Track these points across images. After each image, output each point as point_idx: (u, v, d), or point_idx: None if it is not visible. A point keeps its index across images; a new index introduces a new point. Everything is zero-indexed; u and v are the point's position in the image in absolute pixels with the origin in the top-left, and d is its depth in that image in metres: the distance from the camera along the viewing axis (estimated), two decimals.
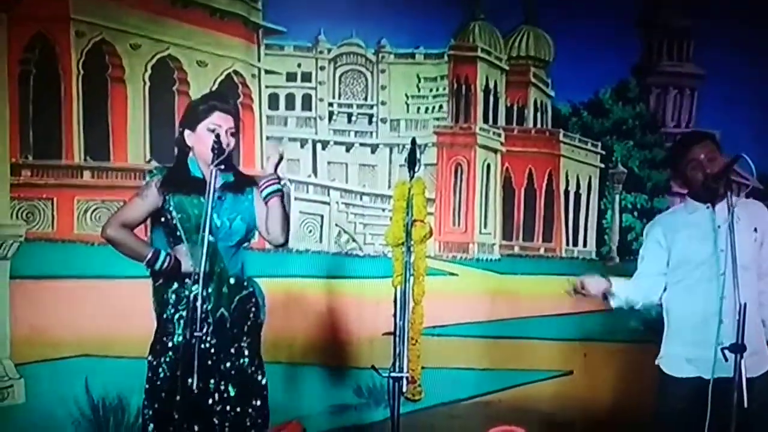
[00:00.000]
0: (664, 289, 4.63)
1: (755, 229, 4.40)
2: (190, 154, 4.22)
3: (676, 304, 4.58)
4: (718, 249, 4.38)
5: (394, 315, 4.01)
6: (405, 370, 3.91)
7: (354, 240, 7.15)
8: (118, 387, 6.02)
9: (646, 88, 7.95)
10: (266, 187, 4.20)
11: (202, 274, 3.71)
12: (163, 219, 4.18)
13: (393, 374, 3.89)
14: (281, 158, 4.27)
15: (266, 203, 4.21)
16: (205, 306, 3.87)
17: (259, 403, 4.29)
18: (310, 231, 7.09)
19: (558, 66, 7.78)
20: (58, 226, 6.32)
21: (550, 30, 7.70)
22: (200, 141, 4.14)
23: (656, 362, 4.65)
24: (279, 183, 4.23)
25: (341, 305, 6.71)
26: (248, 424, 4.24)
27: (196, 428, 4.08)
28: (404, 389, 3.93)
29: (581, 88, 7.78)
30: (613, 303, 4.68)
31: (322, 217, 7.12)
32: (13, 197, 6.16)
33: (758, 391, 4.06)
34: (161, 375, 4.15)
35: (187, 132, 4.20)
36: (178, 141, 4.28)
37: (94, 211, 6.38)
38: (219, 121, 4.14)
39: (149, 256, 4.10)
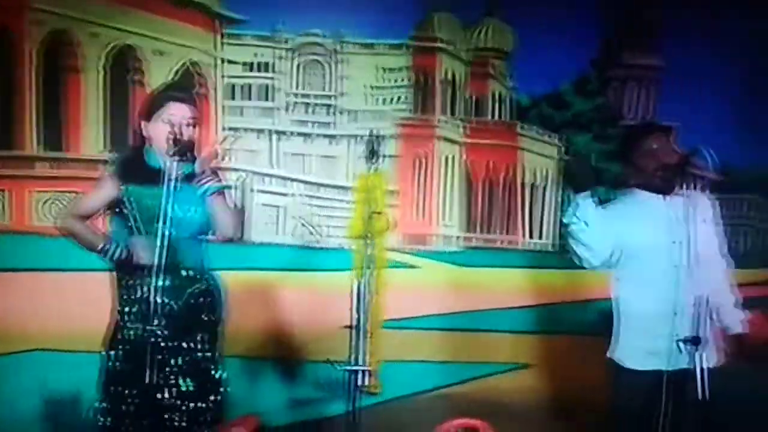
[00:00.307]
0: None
1: (704, 221, 4.41)
2: (147, 144, 4.17)
3: (632, 296, 4.58)
4: (671, 241, 4.41)
5: (352, 308, 4.00)
6: (363, 363, 3.90)
7: (314, 232, 7.12)
8: (75, 381, 5.94)
9: (606, 80, 7.97)
10: (201, 185, 4.08)
11: (156, 266, 3.68)
12: (119, 210, 4.13)
13: (350, 367, 3.88)
14: (216, 154, 4.20)
15: (207, 200, 4.09)
16: (157, 299, 3.86)
17: (215, 398, 4.26)
18: (270, 223, 7.05)
19: (518, 58, 7.77)
20: (12, 218, 6.26)
21: (511, 22, 7.69)
22: (156, 132, 4.09)
23: (608, 355, 4.66)
24: (217, 180, 4.12)
25: (301, 298, 6.68)
26: (204, 419, 4.20)
27: (148, 423, 4.05)
28: (363, 382, 3.92)
29: (541, 81, 7.77)
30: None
31: (281, 209, 7.09)
32: None
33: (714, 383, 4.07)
34: (113, 368, 4.12)
35: (143, 123, 4.15)
36: (136, 132, 4.23)
37: (49, 202, 6.31)
38: (175, 111, 4.08)
39: (102, 246, 4.08)
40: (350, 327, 3.91)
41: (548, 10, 7.09)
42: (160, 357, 3.98)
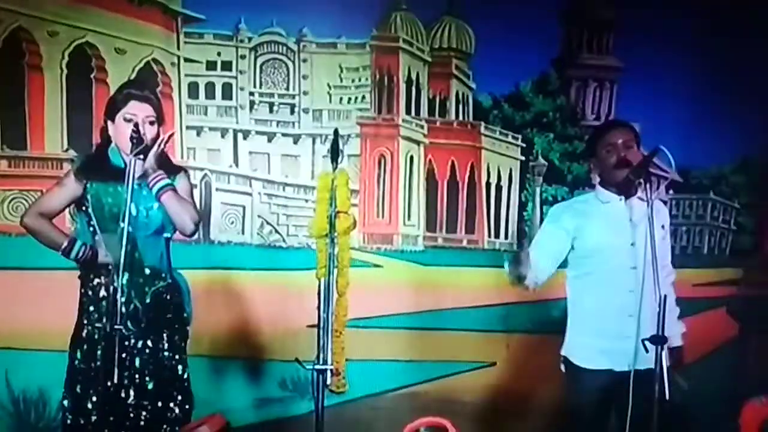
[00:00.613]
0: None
1: (662, 226, 4.48)
2: (112, 143, 4.17)
3: (586, 295, 4.63)
4: (629, 243, 4.45)
5: (318, 307, 4.00)
6: (329, 362, 3.91)
7: (277, 231, 7.10)
8: (39, 380, 5.93)
9: (567, 80, 8.00)
10: (153, 185, 4.09)
11: (122, 265, 3.69)
12: (83, 207, 4.15)
13: (317, 366, 3.89)
14: (159, 149, 4.13)
15: (159, 200, 4.11)
16: (119, 297, 3.84)
17: (180, 397, 4.26)
18: (232, 222, 7.03)
19: (479, 58, 7.78)
20: None
21: (472, 22, 7.69)
22: (118, 131, 4.11)
23: (562, 352, 4.70)
24: (166, 178, 4.12)
25: (265, 297, 6.68)
26: (169, 417, 4.22)
27: (112, 421, 4.02)
28: (328, 382, 3.93)
29: (502, 81, 7.80)
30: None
31: (244, 208, 7.06)
32: None
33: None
34: (77, 367, 4.14)
35: (109, 123, 4.16)
36: (102, 131, 4.25)
37: (11, 201, 6.26)
38: (135, 110, 4.10)
39: (64, 245, 4.11)
40: (316, 326, 3.90)
41: (508, 10, 7.13)
42: (124, 355, 3.99)
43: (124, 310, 3.98)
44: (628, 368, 4.31)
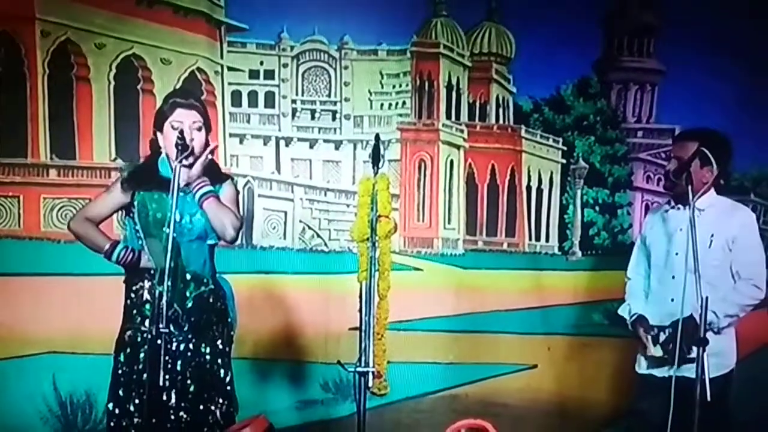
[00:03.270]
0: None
1: (712, 235, 4.41)
2: (162, 154, 4.22)
3: (641, 304, 4.69)
4: (672, 252, 4.46)
5: (360, 310, 4.01)
6: (371, 364, 3.92)
7: (319, 236, 7.16)
8: (86, 384, 6.00)
9: (608, 84, 7.96)
10: (196, 192, 4.12)
11: (167, 270, 3.73)
12: (130, 214, 4.22)
13: (359, 369, 3.90)
14: (206, 158, 4.16)
15: (201, 207, 4.13)
16: (164, 302, 3.91)
17: (222, 399, 4.30)
18: (275, 227, 7.09)
19: (519, 62, 7.80)
20: (24, 224, 6.30)
21: (512, 26, 7.71)
22: (166, 139, 4.14)
23: None
24: (209, 185, 4.15)
25: (307, 301, 6.72)
26: (210, 420, 4.25)
27: (156, 424, 4.08)
28: (370, 384, 3.94)
29: (543, 84, 7.81)
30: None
31: (286, 213, 7.13)
32: None
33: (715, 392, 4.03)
34: (120, 370, 4.19)
35: (158, 134, 4.21)
36: (151, 143, 4.30)
37: (60, 208, 6.36)
38: (181, 117, 4.13)
39: (106, 247, 4.18)
40: (357, 329, 3.94)
41: (548, 14, 7.12)
42: (168, 359, 4.02)
43: (167, 314, 4.06)
44: (668, 375, 4.37)
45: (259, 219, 7.01)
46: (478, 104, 7.81)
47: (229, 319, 4.38)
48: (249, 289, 6.27)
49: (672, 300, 4.42)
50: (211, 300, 4.29)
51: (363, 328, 3.95)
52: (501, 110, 7.87)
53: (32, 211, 6.34)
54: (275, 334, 6.59)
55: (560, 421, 6.83)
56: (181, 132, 4.00)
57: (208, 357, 4.26)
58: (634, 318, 4.64)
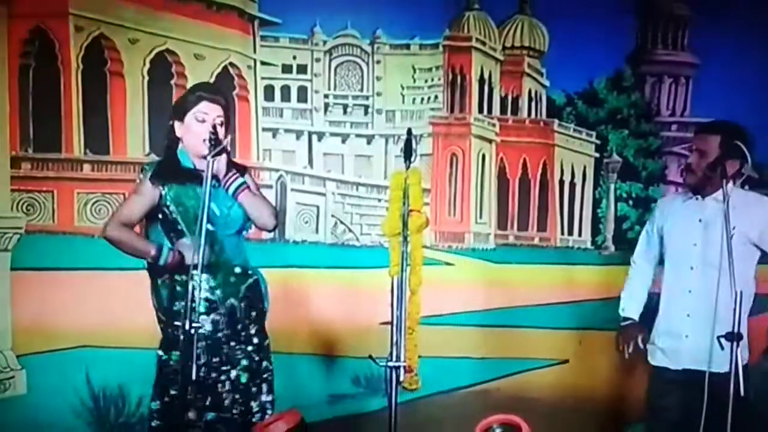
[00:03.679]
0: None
1: (733, 227, 4.31)
2: (180, 145, 4.21)
3: (662, 291, 4.68)
4: (692, 243, 4.45)
5: (391, 305, 4.01)
6: (402, 359, 3.92)
7: (350, 230, 7.18)
8: (119, 377, 6.04)
9: (641, 77, 7.94)
10: (229, 185, 4.15)
11: (200, 264, 3.70)
12: (160, 215, 4.17)
13: (390, 364, 3.89)
14: (227, 152, 4.17)
15: (236, 198, 4.16)
16: (215, 296, 4.04)
17: (266, 388, 4.35)
18: (307, 222, 7.12)
19: (552, 55, 7.79)
20: (58, 219, 6.36)
21: (544, 19, 7.71)
22: (189, 131, 4.14)
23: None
24: (240, 177, 4.20)
25: (338, 295, 6.74)
26: (256, 409, 4.30)
27: (210, 416, 4.14)
28: (401, 378, 3.94)
29: (576, 78, 7.79)
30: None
31: (318, 207, 7.16)
32: (14, 190, 6.17)
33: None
34: (167, 367, 4.16)
35: (176, 123, 4.19)
36: (167, 133, 4.26)
37: (94, 203, 6.41)
38: (207, 109, 4.12)
39: (153, 252, 4.09)
40: (389, 323, 3.94)
41: (581, 7, 7.09)
42: (218, 353, 4.12)
43: (221, 309, 4.15)
44: (682, 368, 4.44)
45: (292, 213, 7.04)
46: (510, 98, 7.81)
47: (266, 310, 4.41)
48: (282, 283, 6.28)
49: (690, 291, 4.45)
50: (255, 292, 4.32)
51: (394, 322, 3.95)
52: (533, 104, 7.86)
53: (66, 206, 6.39)
54: (306, 329, 6.62)
55: (592, 416, 6.80)
56: (214, 127, 4.00)
57: (254, 347, 4.29)
58: (626, 323, 4.73)
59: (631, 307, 4.75)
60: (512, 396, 6.92)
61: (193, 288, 3.67)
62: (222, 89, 4.34)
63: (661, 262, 4.75)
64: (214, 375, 4.12)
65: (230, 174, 4.15)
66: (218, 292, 4.15)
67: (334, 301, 6.72)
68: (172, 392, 4.13)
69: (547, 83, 7.83)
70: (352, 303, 6.65)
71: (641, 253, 4.86)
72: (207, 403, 4.13)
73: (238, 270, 4.24)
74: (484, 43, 7.62)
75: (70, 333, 6.12)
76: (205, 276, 4.02)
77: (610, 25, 7.34)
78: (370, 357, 3.94)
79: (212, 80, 6.61)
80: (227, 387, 4.20)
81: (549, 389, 7.05)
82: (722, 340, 3.98)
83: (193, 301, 3.66)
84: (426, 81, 7.39)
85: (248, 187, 4.20)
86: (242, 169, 4.33)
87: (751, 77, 7.14)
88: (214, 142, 3.89)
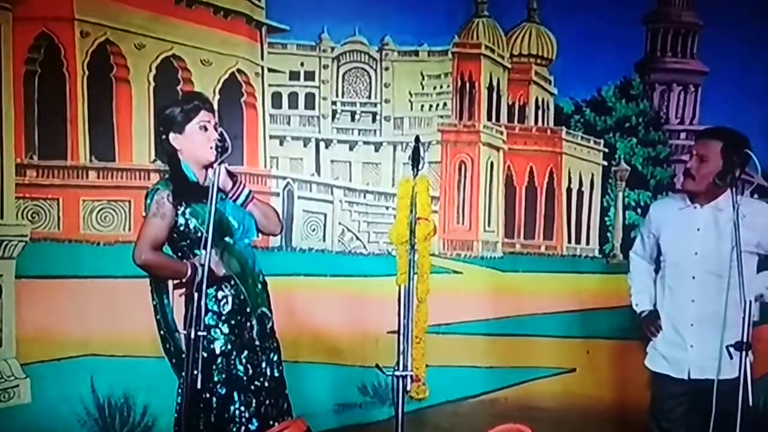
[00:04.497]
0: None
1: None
2: (180, 157, 4.13)
3: (661, 301, 4.65)
4: (693, 252, 4.41)
5: (399, 313, 3.99)
6: (409, 368, 3.90)
7: (358, 238, 7.16)
8: (124, 386, 6.02)
9: (650, 85, 7.93)
10: (237, 196, 4.15)
11: (206, 271, 3.67)
12: (175, 234, 4.11)
13: (397, 373, 3.87)
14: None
15: (246, 208, 4.17)
16: (247, 307, 4.08)
17: (282, 398, 4.39)
18: (314, 230, 7.11)
19: (560, 63, 7.78)
20: (63, 226, 6.33)
21: (552, 27, 7.70)
22: (191, 141, 4.08)
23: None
24: (244, 188, 4.20)
25: (345, 303, 6.73)
26: (274, 414, 4.31)
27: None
28: (409, 388, 3.92)
29: (584, 86, 7.79)
30: None
31: (325, 215, 7.14)
32: (19, 197, 6.14)
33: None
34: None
35: (172, 136, 4.11)
36: (164, 148, 4.18)
37: (99, 211, 6.39)
38: (207, 117, 4.09)
39: (188, 272, 4.02)
40: (396, 332, 3.92)
41: (589, 15, 7.08)
42: (263, 364, 4.21)
43: (253, 319, 4.17)
44: (686, 377, 4.43)
45: (299, 221, 7.02)
46: (517, 106, 7.79)
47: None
48: (288, 292, 6.28)
49: (693, 301, 4.43)
50: (269, 297, 4.34)
51: (401, 331, 3.93)
52: (541, 112, 7.85)
53: (71, 214, 6.35)
54: (314, 337, 6.60)
55: (599, 425, 6.78)
56: (221, 134, 3.93)
57: (276, 355, 4.35)
58: (644, 315, 4.73)
59: (644, 300, 4.75)
60: (520, 405, 6.91)
61: (198, 297, 3.65)
62: (203, 98, 4.28)
63: (656, 262, 4.75)
64: (257, 383, 4.18)
65: (236, 185, 4.15)
66: (250, 301, 4.15)
67: (341, 309, 6.71)
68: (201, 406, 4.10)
69: (555, 91, 7.82)
70: (360, 311, 6.63)
71: (639, 251, 4.87)
72: (251, 410, 4.17)
73: (262, 278, 4.26)
74: (493, 51, 7.61)
75: (75, 341, 6.09)
76: (235, 288, 4.10)
77: (618, 33, 7.33)
78: (377, 366, 3.92)
79: (219, 86, 6.61)
80: (262, 394, 4.23)
81: (556, 398, 7.04)
82: (731, 349, 3.96)
83: (198, 309, 3.64)
84: (434, 88, 7.37)
85: (254, 195, 4.22)
86: (235, 177, 4.30)
87: (759, 85, 7.15)
88: (222, 148, 3.85)
